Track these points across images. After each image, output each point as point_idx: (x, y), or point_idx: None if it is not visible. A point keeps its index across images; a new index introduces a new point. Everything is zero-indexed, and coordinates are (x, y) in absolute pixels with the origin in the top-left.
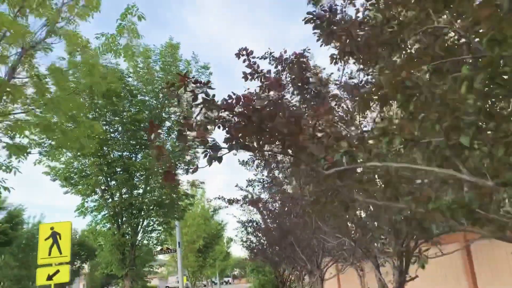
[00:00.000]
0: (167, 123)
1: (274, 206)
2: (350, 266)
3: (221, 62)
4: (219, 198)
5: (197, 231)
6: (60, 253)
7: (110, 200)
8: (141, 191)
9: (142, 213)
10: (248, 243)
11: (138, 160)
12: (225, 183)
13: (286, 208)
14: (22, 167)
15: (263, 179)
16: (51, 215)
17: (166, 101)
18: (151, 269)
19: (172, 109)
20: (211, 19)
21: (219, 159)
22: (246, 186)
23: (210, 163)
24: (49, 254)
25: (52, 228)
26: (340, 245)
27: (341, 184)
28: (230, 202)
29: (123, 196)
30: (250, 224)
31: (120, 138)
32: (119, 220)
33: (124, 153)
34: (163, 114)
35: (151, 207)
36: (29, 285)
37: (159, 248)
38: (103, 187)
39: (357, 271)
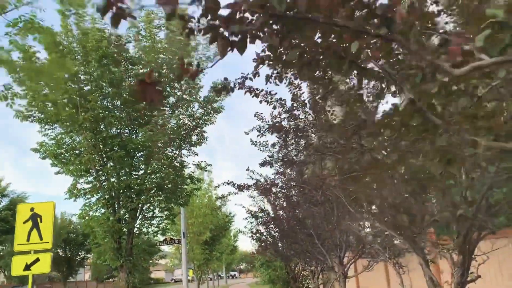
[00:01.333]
0: (171, 99)
1: (291, 192)
2: (384, 262)
3: None
4: (228, 183)
5: (204, 222)
6: (41, 238)
7: (105, 181)
8: (141, 172)
9: (142, 197)
10: (258, 235)
11: (137, 138)
12: (232, 177)
13: (304, 195)
14: (32, 160)
15: (280, 157)
16: (58, 204)
17: (171, 75)
18: (152, 261)
19: (177, 83)
20: None
21: (242, 45)
22: (263, 165)
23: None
24: (28, 240)
25: (32, 209)
26: (369, 236)
27: None
28: (240, 188)
29: (120, 177)
30: (261, 214)
31: (118, 113)
32: (115, 205)
33: (122, 130)
34: (168, 88)
35: (152, 191)
36: None
37: (162, 238)
38: (97, 167)
39: (395, 268)
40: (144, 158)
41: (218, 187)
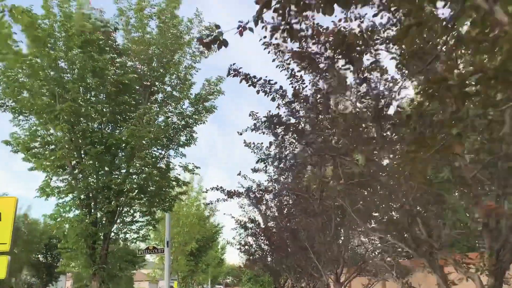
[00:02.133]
0: (160, 95)
1: (285, 200)
2: (383, 280)
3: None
4: (217, 189)
5: (191, 231)
6: None
7: (82, 180)
8: (122, 171)
9: (121, 199)
10: (246, 247)
11: (120, 133)
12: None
13: (299, 204)
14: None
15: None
16: (41, 207)
17: (161, 69)
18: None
19: (168, 79)
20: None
21: None
22: (255, 170)
23: None
24: None
25: None
26: (371, 252)
27: None
28: (230, 194)
29: (99, 176)
30: (251, 225)
31: (100, 106)
32: (92, 206)
33: (104, 125)
34: (157, 83)
35: (133, 192)
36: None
37: (144, 246)
38: (73, 163)
39: None
40: (125, 156)
41: (207, 192)
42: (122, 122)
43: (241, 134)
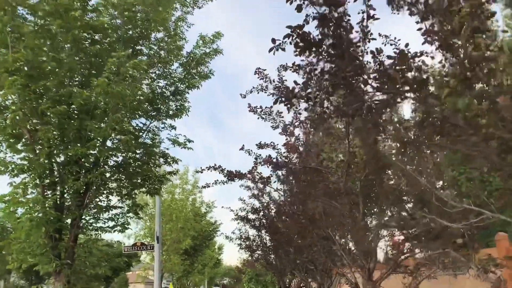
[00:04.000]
0: (143, 57)
1: (301, 179)
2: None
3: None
4: (214, 169)
5: (185, 227)
6: None
7: (41, 150)
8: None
9: (93, 173)
10: (248, 242)
11: (90, 91)
12: (220, 190)
13: (321, 182)
14: None
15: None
16: None
17: (146, 23)
18: (127, 272)
19: (153, 36)
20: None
21: None
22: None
23: None
24: None
25: None
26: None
27: None
28: (231, 176)
29: (63, 145)
30: (254, 216)
31: (63, 56)
32: (55, 185)
33: (70, 81)
34: (141, 42)
35: (108, 168)
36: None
37: (128, 242)
38: (31, 130)
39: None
40: (97, 120)
41: (202, 172)
42: (93, 76)
43: (244, 97)
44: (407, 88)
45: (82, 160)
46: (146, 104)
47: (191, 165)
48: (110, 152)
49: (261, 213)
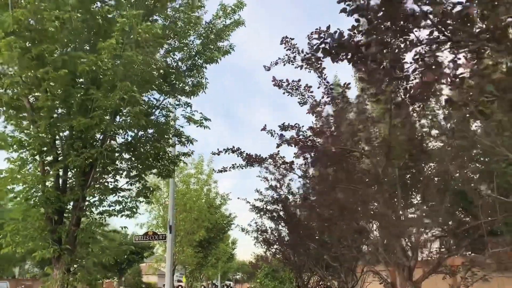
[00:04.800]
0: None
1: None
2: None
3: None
4: (232, 151)
5: (199, 218)
6: None
7: (41, 121)
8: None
9: (98, 149)
10: (266, 235)
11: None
12: (234, 187)
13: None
14: None
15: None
16: None
17: None
18: (141, 264)
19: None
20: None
21: None
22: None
23: None
24: None
25: None
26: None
27: None
28: (250, 160)
29: (66, 116)
30: (274, 206)
31: (67, 14)
32: (57, 161)
33: (76, 45)
34: (156, 10)
35: (116, 146)
36: None
37: (140, 232)
38: (31, 100)
39: None
40: (104, 89)
41: (219, 154)
42: (100, 38)
43: (268, 69)
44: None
45: (87, 134)
46: (160, 80)
47: (206, 160)
48: (119, 128)
49: (280, 205)
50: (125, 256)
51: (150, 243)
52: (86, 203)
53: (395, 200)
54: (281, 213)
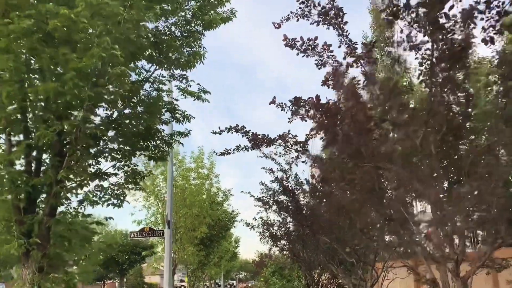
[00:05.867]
0: None
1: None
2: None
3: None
4: (236, 130)
5: (200, 215)
6: None
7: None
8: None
9: (69, 122)
10: (272, 230)
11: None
12: (236, 186)
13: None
14: None
15: None
16: None
17: None
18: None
19: None
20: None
21: None
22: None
23: None
24: None
25: None
26: None
27: None
28: (256, 141)
29: (35, 80)
30: (283, 197)
31: None
32: (27, 136)
33: None
34: None
35: (98, 122)
36: None
37: (135, 227)
38: None
39: None
40: (80, 51)
41: (220, 133)
42: None
43: (278, 27)
44: None
45: (59, 104)
46: (150, 51)
47: (207, 157)
48: (97, 96)
49: (289, 197)
50: (126, 257)
51: (148, 241)
52: (62, 192)
53: (435, 178)
54: (290, 204)
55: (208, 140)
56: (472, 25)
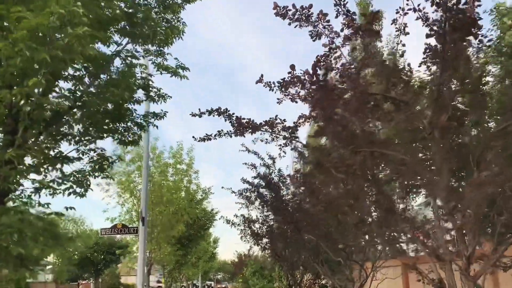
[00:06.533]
0: None
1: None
2: None
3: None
4: (219, 113)
5: (178, 213)
6: None
7: None
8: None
9: (16, 90)
10: (254, 227)
11: None
12: (217, 186)
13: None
14: None
15: None
16: None
17: None
18: (118, 264)
19: None
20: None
21: None
22: None
23: None
24: None
25: None
26: None
27: None
28: (240, 126)
29: None
30: (265, 190)
31: None
32: None
33: None
34: None
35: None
36: None
37: (105, 224)
38: None
39: None
40: (36, 9)
41: (201, 116)
42: None
43: None
44: None
45: (7, 68)
46: (122, 23)
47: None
48: (53, 60)
49: (271, 191)
50: (102, 257)
51: (123, 240)
52: (12, 176)
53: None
54: (273, 199)
55: (190, 143)
56: None
